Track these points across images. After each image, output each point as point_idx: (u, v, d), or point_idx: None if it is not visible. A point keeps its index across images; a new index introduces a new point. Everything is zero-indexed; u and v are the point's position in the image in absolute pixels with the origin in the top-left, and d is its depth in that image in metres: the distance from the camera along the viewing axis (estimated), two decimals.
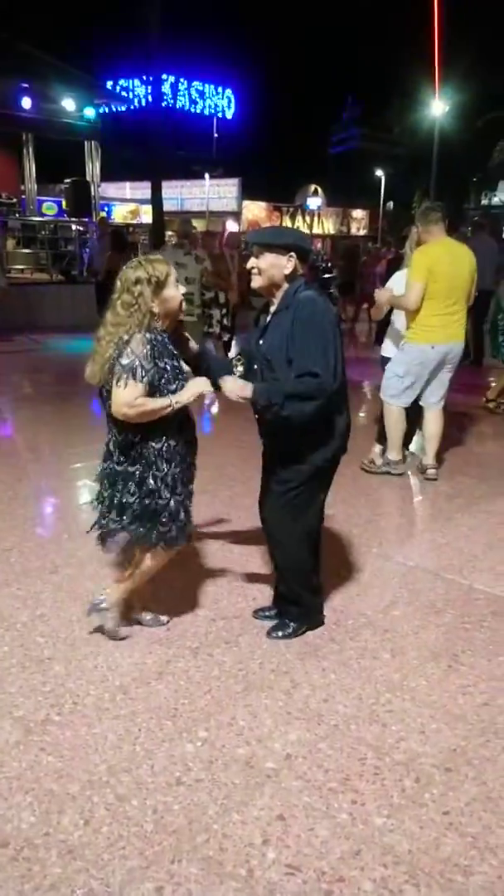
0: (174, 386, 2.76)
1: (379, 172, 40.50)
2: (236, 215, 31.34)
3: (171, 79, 33.21)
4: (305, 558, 3.15)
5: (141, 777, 2.33)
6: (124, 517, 2.87)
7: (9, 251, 15.01)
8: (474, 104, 30.81)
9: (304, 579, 3.18)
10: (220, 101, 36.48)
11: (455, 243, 5.23)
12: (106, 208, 26.72)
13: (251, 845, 2.09)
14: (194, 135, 33.75)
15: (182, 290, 2.89)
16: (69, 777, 2.32)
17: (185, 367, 2.95)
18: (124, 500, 2.85)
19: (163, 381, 2.75)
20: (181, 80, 34.24)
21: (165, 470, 2.83)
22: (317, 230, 31.56)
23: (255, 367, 2.95)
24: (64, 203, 17.17)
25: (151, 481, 2.82)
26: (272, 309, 2.94)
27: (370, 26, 37.54)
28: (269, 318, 2.95)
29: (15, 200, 17.53)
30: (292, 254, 2.84)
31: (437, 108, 27.82)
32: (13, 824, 2.12)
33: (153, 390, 2.73)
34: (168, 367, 2.76)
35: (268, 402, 2.72)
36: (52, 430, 6.73)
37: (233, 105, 37.00)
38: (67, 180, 16.31)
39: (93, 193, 16.44)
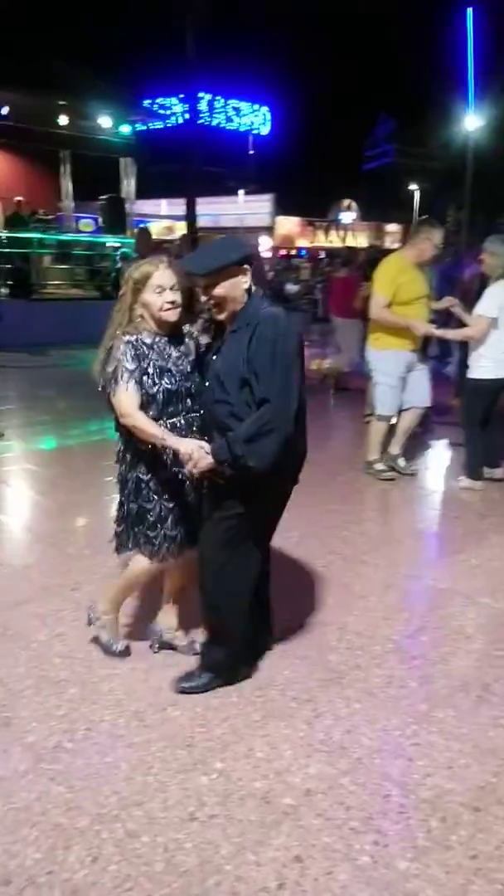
0: (156, 387, 2.72)
1: (413, 186, 40.33)
2: (270, 230, 31.41)
3: (208, 96, 33.45)
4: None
5: (153, 811, 2.23)
6: (118, 519, 2.92)
7: (46, 267, 15.19)
8: None
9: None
10: (256, 118, 36.68)
11: None
12: (141, 224, 26.97)
13: (265, 889, 1.97)
14: (230, 151, 33.90)
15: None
16: (78, 810, 2.23)
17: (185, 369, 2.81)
18: (121, 502, 2.90)
19: (145, 379, 2.71)
20: (218, 97, 34.48)
21: (150, 475, 2.80)
22: (350, 243, 31.43)
23: (208, 384, 2.70)
24: (100, 220, 17.35)
25: (142, 485, 2.81)
26: (231, 327, 2.64)
27: (404, 41, 37.49)
28: (226, 335, 2.66)
29: (52, 217, 17.76)
30: (246, 265, 2.60)
31: (472, 122, 27.59)
32: (17, 860, 2.03)
33: (142, 391, 2.71)
34: (151, 368, 2.72)
35: (229, 457, 2.47)
36: (84, 447, 6.71)
37: (268, 122, 37.17)
38: (103, 197, 16.49)
39: (128, 210, 16.59)
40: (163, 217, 31.49)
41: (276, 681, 2.94)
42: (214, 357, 2.69)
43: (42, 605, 3.54)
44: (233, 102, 35.87)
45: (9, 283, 13.92)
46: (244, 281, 2.60)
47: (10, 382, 9.84)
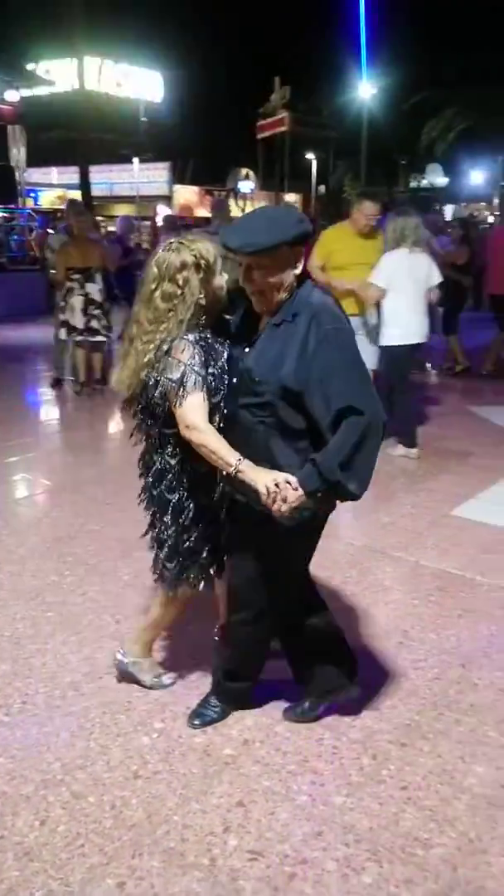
0: (219, 395, 2.23)
1: (310, 156, 40.52)
2: (167, 199, 30.98)
3: (98, 61, 32.32)
4: None
5: (97, 773, 2.28)
6: (169, 550, 2.43)
7: None
8: (401, 87, 30.98)
9: None
10: (147, 84, 35.78)
11: None
12: (32, 194, 26.01)
13: (212, 834, 2.07)
14: (122, 118, 33.06)
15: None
16: (22, 778, 2.25)
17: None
18: (168, 528, 2.41)
19: (212, 385, 2.23)
20: (106, 61, 33.39)
21: (204, 501, 2.38)
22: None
23: (234, 381, 2.23)
24: None
25: (190, 513, 2.39)
26: (271, 319, 2.18)
27: (297, 10, 37.50)
28: (263, 326, 2.22)
29: None
30: (301, 247, 2.14)
31: (365, 90, 27.98)
32: None
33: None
34: (213, 374, 2.22)
35: (322, 486, 2.03)
36: None
37: (161, 88, 36.38)
38: None
39: (18, 179, 15.98)
40: (54, 186, 30.49)
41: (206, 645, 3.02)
42: (246, 350, 2.21)
43: None
44: (122, 67, 34.81)
45: None
46: (297, 264, 2.14)
47: None
